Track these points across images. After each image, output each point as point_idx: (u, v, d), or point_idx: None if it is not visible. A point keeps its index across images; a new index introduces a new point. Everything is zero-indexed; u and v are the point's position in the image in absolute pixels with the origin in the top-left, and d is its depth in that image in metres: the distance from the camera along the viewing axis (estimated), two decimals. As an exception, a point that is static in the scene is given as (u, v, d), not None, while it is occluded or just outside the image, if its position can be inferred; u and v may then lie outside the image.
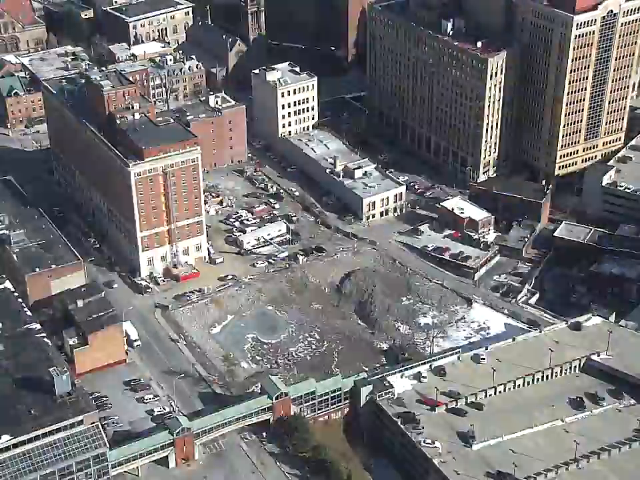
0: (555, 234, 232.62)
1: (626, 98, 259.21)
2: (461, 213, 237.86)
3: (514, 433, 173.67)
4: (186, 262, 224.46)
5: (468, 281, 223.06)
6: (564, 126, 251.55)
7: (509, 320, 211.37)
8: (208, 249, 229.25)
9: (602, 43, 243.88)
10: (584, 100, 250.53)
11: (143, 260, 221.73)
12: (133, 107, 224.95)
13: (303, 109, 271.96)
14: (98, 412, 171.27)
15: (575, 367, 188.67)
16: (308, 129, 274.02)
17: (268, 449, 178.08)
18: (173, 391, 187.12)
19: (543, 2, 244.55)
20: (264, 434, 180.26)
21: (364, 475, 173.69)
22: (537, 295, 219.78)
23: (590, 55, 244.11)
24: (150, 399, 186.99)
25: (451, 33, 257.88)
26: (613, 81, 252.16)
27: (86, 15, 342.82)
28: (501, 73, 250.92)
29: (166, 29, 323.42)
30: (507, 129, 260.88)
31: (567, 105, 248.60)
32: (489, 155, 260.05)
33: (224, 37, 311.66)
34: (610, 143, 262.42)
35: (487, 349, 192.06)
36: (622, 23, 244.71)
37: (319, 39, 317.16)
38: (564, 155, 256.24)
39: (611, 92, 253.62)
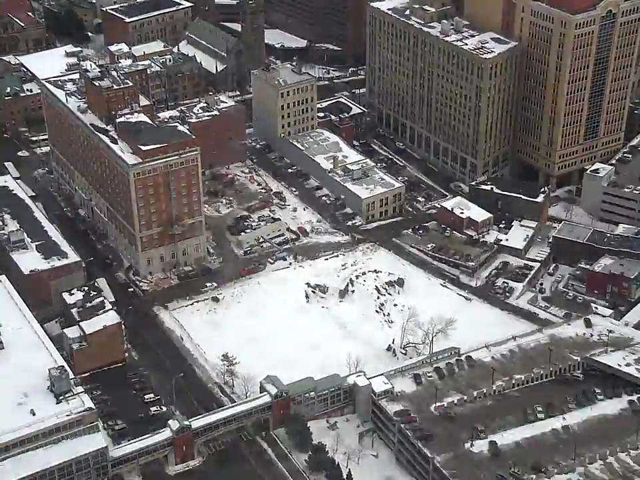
0: (555, 233, 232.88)
1: (625, 98, 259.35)
2: (461, 213, 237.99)
3: (514, 432, 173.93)
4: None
5: (468, 280, 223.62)
6: (563, 126, 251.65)
7: (509, 319, 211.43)
8: (207, 248, 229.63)
9: (601, 42, 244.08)
10: (583, 100, 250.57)
11: (143, 260, 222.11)
12: (132, 107, 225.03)
13: (303, 109, 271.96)
14: (97, 411, 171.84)
15: (575, 366, 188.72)
16: (308, 129, 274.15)
17: (268, 448, 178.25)
18: (172, 390, 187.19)
19: (542, 2, 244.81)
20: (264, 433, 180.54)
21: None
22: (537, 294, 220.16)
23: (589, 55, 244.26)
24: (150, 398, 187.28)
25: (450, 33, 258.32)
26: (612, 81, 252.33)
27: (86, 15, 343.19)
28: (501, 73, 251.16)
29: (166, 28, 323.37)
30: (507, 129, 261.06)
31: (566, 105, 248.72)
32: (489, 155, 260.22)
33: (223, 37, 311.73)
34: (609, 143, 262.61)
35: (487, 348, 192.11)
36: (621, 23, 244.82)
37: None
38: (563, 155, 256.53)
39: (610, 92, 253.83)
